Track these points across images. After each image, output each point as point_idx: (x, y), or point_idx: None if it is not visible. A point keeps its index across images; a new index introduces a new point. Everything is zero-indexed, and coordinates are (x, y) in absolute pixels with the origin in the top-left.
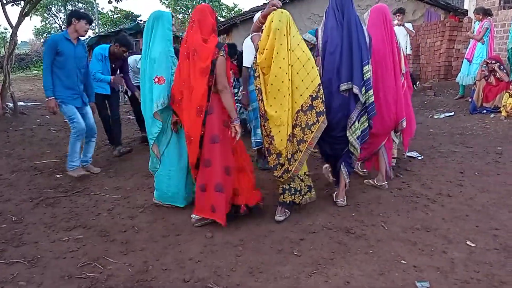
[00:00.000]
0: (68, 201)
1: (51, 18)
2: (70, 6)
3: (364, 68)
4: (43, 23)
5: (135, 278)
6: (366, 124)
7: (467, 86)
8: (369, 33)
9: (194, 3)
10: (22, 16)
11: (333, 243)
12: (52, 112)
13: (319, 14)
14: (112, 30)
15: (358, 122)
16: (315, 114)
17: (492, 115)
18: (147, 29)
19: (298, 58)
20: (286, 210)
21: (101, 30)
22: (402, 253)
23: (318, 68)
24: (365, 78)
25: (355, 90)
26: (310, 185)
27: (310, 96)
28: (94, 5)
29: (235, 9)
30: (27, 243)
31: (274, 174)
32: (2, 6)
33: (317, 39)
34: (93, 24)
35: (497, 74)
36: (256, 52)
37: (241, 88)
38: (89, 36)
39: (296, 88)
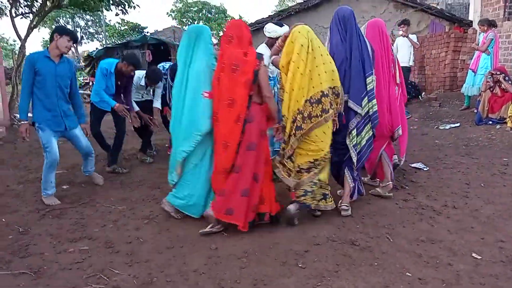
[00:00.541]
0: (74, 212)
1: None
2: (78, 18)
3: (367, 79)
4: None
5: None
6: (371, 133)
7: (472, 96)
8: None
9: (200, 15)
10: (30, 29)
11: (338, 255)
12: (22, 137)
13: (324, 25)
14: (119, 42)
15: (363, 131)
16: (320, 110)
17: (497, 126)
18: (187, 45)
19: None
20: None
21: (108, 42)
22: (407, 265)
23: None
24: (368, 89)
25: (350, 104)
26: (326, 193)
27: (321, 92)
28: (101, 17)
29: None
30: (33, 254)
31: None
32: (11, 19)
33: None
34: (101, 36)
35: (502, 85)
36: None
37: None
38: (96, 48)
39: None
